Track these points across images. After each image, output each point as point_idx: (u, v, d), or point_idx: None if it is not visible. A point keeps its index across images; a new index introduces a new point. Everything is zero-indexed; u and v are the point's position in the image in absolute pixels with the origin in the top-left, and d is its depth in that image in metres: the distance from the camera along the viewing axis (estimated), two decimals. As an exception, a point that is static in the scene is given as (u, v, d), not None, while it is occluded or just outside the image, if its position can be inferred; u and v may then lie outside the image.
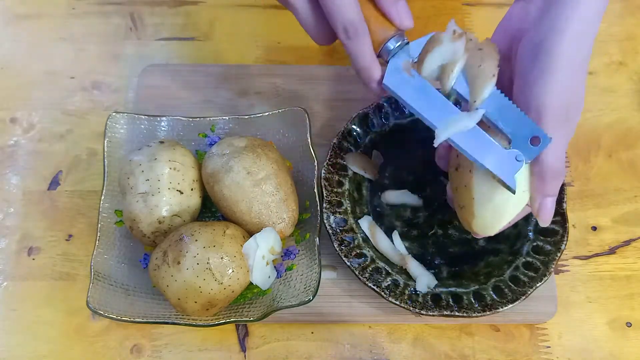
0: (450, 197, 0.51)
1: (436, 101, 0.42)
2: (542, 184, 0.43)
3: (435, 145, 0.42)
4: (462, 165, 0.46)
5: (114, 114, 0.56)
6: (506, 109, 0.42)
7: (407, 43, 0.44)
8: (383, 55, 0.44)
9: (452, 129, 0.42)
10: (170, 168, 0.52)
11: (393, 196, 0.57)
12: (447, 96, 0.43)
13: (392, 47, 0.43)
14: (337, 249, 0.52)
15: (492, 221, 0.45)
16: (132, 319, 0.48)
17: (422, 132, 0.51)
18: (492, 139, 0.42)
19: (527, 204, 0.45)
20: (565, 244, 0.52)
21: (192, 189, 0.53)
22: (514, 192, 0.42)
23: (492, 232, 0.46)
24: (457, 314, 0.50)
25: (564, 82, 0.41)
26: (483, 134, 0.42)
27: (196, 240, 0.48)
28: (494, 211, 0.44)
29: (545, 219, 0.45)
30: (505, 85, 0.45)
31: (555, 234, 0.52)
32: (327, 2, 0.41)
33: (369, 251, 0.53)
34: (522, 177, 0.43)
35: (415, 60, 0.43)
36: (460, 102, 0.48)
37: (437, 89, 0.42)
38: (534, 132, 0.41)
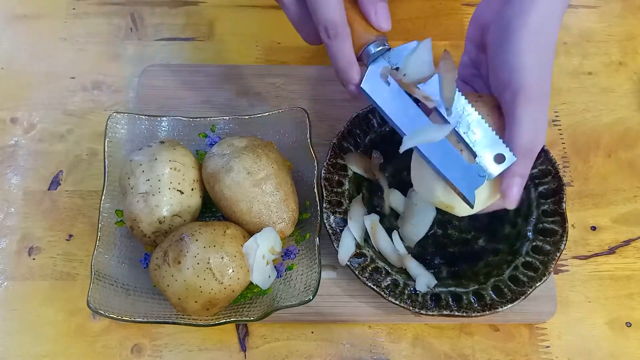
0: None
1: (409, 110, 0.43)
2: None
3: (401, 151, 0.43)
4: None
5: (114, 114, 0.56)
6: (476, 125, 0.42)
7: (389, 49, 0.44)
8: (363, 58, 0.44)
9: (419, 138, 0.42)
10: (171, 168, 0.52)
11: (395, 199, 0.57)
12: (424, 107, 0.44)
13: (372, 50, 0.44)
14: (337, 249, 0.52)
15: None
16: (132, 319, 0.48)
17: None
18: (458, 152, 0.42)
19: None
20: (565, 244, 0.52)
21: (192, 189, 0.53)
22: (472, 207, 0.42)
23: (468, 213, 0.45)
24: (456, 313, 0.50)
25: (529, 61, 0.41)
26: (449, 146, 0.42)
27: (196, 240, 0.48)
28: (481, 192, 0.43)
29: (511, 200, 0.43)
30: (484, 74, 0.46)
31: (555, 233, 0.52)
32: (311, 1, 0.42)
33: (369, 251, 0.54)
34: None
35: (394, 67, 0.43)
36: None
37: (413, 99, 0.43)
38: (499, 150, 0.42)
